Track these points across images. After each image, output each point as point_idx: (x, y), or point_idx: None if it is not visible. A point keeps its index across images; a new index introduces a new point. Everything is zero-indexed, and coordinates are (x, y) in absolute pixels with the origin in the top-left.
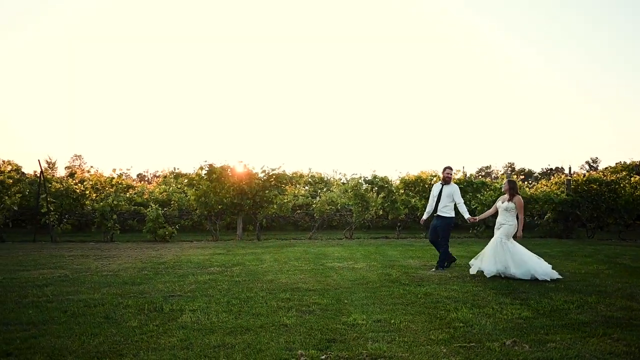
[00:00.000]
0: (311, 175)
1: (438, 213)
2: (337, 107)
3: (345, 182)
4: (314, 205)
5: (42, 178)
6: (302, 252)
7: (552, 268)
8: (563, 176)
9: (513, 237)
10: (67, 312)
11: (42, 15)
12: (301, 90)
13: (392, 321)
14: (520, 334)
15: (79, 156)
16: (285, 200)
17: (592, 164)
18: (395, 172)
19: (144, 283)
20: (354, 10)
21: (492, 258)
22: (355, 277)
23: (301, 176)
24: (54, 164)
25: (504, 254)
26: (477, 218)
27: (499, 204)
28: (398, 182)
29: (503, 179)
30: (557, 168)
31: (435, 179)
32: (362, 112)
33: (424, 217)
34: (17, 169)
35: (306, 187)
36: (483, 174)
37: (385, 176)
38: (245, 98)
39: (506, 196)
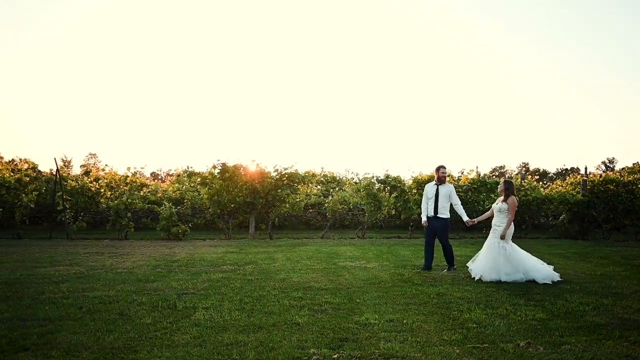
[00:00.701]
0: (323, 175)
1: (438, 215)
2: (350, 107)
3: (357, 181)
4: (326, 205)
5: (58, 176)
6: (315, 251)
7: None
8: (579, 176)
9: (500, 237)
10: (82, 308)
11: (53, 14)
12: (313, 90)
13: (405, 321)
14: (535, 336)
15: (94, 155)
16: (298, 200)
17: (608, 164)
18: (408, 171)
19: (158, 280)
20: (366, 11)
21: (486, 262)
22: (367, 276)
23: (313, 175)
24: (69, 162)
25: (499, 259)
26: (476, 220)
27: (494, 205)
28: (411, 181)
29: (517, 178)
30: (572, 168)
31: (448, 179)
32: (374, 112)
33: (424, 219)
34: (34, 167)
35: (318, 187)
36: (497, 173)
37: (398, 176)
38: (258, 97)
39: (501, 197)
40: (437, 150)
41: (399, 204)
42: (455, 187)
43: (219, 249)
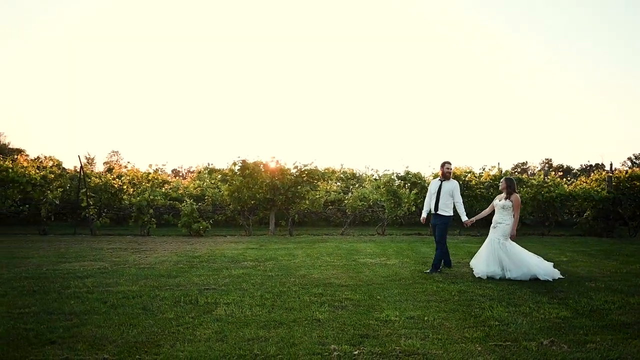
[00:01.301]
0: (343, 171)
1: (438, 212)
2: (370, 104)
3: (377, 178)
4: (346, 201)
5: (82, 173)
6: (334, 248)
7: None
8: (604, 173)
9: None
10: (106, 302)
11: (55, 14)
12: (333, 88)
13: (426, 318)
14: (558, 334)
15: (116, 152)
16: (317, 196)
17: (634, 160)
18: (428, 167)
19: (180, 276)
20: (377, 11)
21: (487, 259)
22: (387, 273)
23: (333, 172)
24: (92, 159)
25: (501, 255)
26: (474, 219)
27: (495, 202)
28: (431, 178)
29: (540, 175)
30: (597, 164)
31: (469, 175)
32: (395, 109)
33: (423, 215)
34: (59, 165)
35: (338, 183)
36: (519, 170)
37: (418, 172)
38: (277, 95)
39: (503, 194)
40: (458, 146)
41: (419, 201)
42: (477, 184)
43: (239, 245)
